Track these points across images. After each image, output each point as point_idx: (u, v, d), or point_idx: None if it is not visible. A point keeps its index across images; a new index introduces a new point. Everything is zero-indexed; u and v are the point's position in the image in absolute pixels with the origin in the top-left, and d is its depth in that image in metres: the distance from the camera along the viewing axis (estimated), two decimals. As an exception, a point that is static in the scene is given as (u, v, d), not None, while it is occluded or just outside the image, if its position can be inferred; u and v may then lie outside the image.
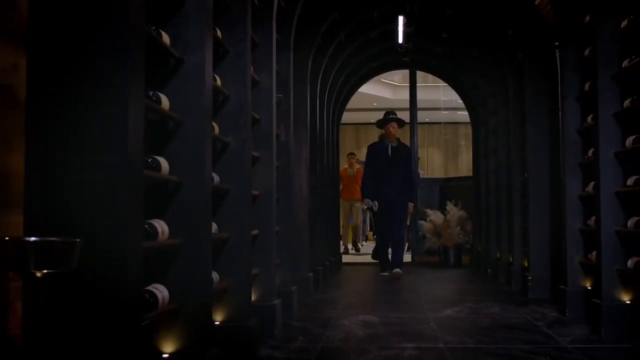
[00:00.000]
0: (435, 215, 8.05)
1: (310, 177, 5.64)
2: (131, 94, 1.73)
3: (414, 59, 7.74)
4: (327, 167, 6.70)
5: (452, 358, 3.15)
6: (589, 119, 4.04)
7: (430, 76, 9.87)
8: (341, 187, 9.47)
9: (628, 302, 3.56)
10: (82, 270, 1.65)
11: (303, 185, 5.16)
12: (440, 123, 13.86)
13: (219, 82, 3.01)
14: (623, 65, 3.58)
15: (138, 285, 1.80)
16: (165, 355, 2.37)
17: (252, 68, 3.63)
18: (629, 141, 3.53)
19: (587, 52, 4.07)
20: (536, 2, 4.88)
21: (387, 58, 7.53)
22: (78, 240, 1.55)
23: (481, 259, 7.31)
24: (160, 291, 2.25)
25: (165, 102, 2.32)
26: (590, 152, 4.04)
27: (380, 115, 7.03)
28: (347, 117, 13.80)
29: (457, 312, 4.51)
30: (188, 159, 2.43)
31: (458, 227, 7.89)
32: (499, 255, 6.40)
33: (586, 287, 4.15)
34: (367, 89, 11.93)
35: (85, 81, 1.72)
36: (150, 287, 2.24)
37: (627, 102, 3.56)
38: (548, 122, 5.01)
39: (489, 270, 6.73)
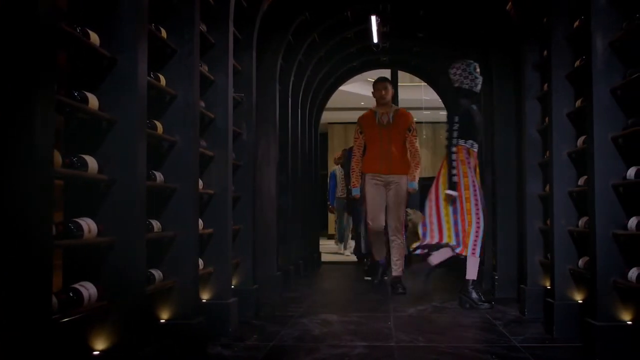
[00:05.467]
0: (415, 215, 8.04)
1: (281, 176, 5.66)
2: (38, 92, 1.75)
3: (393, 58, 7.76)
4: (302, 166, 6.71)
5: (399, 356, 3.17)
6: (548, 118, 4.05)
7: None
8: None
9: (580, 301, 3.58)
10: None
11: (271, 184, 5.18)
12: (421, 123, 13.87)
13: (163, 82, 3.03)
14: (575, 65, 3.59)
15: (47, 283, 1.81)
16: (96, 352, 2.39)
17: (206, 67, 3.66)
18: (580, 141, 3.55)
19: (545, 52, 4.08)
20: (507, 7, 4.88)
21: (366, 57, 7.54)
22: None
23: (458, 258, 7.31)
24: (87, 289, 2.27)
25: (93, 101, 2.34)
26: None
27: None
28: (335, 116, 13.85)
29: (420, 311, 4.52)
30: (121, 157, 2.45)
31: (437, 227, 7.88)
32: (473, 255, 6.40)
33: (545, 287, 4.16)
34: (354, 88, 11.95)
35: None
36: (76, 285, 2.26)
37: (578, 102, 3.57)
38: (515, 122, 5.03)
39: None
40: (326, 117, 13.48)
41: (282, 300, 5.00)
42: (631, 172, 2.92)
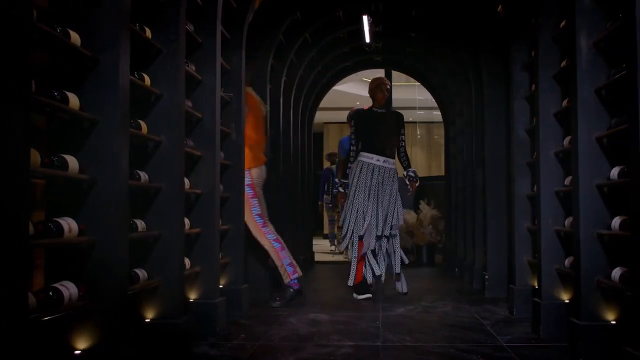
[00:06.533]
0: (408, 215, 8.06)
1: (272, 175, 5.65)
2: (11, 91, 1.75)
3: (387, 58, 7.76)
4: (295, 165, 6.71)
5: (384, 356, 3.17)
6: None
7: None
8: None
9: (567, 301, 3.58)
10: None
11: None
12: (416, 123, 13.92)
13: (148, 81, 3.03)
14: (562, 65, 3.60)
15: (24, 282, 1.82)
16: (77, 352, 2.40)
17: (193, 67, 3.67)
18: (566, 141, 3.55)
19: (533, 52, 4.09)
20: (498, 9, 4.89)
21: (359, 57, 7.55)
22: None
23: (451, 258, 7.33)
24: (68, 288, 2.27)
25: (74, 101, 2.34)
26: (537, 152, 4.06)
27: None
28: (330, 116, 13.87)
29: (409, 311, 4.53)
30: (103, 157, 2.45)
31: (430, 226, 7.91)
32: (465, 254, 6.43)
33: (534, 286, 4.17)
34: (349, 87, 11.97)
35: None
36: (56, 284, 2.26)
37: (565, 102, 3.58)
38: (505, 122, 5.03)
39: (456, 269, 6.75)
40: (322, 116, 13.50)
41: (272, 299, 4.99)
42: (614, 171, 2.92)
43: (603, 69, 3.04)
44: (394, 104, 9.18)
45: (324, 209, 10.50)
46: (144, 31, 2.99)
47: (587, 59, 3.05)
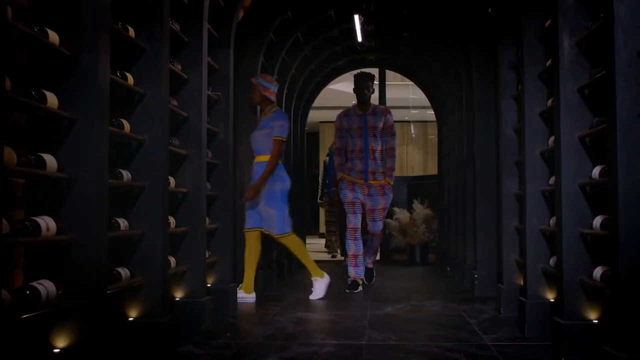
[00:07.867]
0: (401, 214, 8.07)
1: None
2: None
3: (380, 57, 7.76)
4: (287, 164, 6.70)
5: (367, 354, 3.18)
6: (523, 118, 4.06)
7: (404, 74, 9.85)
8: None
9: (552, 300, 3.59)
10: None
11: (252, 183, 5.17)
12: (410, 122, 13.91)
13: (131, 80, 3.04)
14: (547, 64, 3.60)
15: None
16: (56, 350, 2.40)
17: (179, 66, 3.67)
18: (551, 140, 3.56)
19: (519, 52, 4.09)
20: (489, 10, 4.89)
21: (353, 56, 7.55)
22: None
23: (444, 257, 7.34)
24: (45, 287, 2.28)
25: (52, 100, 2.34)
26: (524, 151, 4.06)
27: None
28: (327, 115, 13.84)
29: (397, 310, 4.53)
30: (81, 156, 2.46)
31: (424, 225, 7.91)
32: (457, 253, 6.43)
33: (521, 286, 4.17)
34: (344, 87, 11.95)
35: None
36: (34, 283, 2.27)
37: (549, 102, 3.58)
38: (495, 121, 5.03)
39: (448, 268, 6.76)
40: (317, 116, 13.48)
41: (262, 298, 5.00)
42: (596, 170, 2.93)
43: (585, 68, 3.04)
44: (388, 103, 9.20)
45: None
46: (127, 30, 2.99)
47: (569, 58, 3.05)
